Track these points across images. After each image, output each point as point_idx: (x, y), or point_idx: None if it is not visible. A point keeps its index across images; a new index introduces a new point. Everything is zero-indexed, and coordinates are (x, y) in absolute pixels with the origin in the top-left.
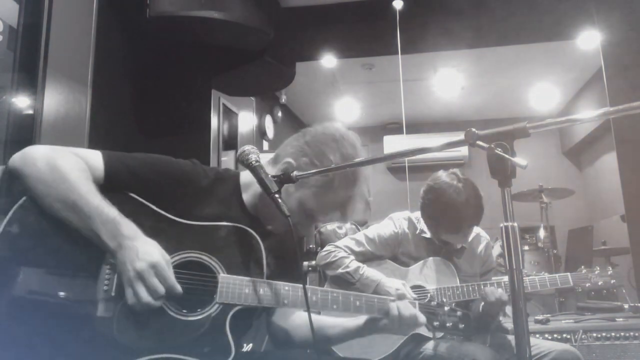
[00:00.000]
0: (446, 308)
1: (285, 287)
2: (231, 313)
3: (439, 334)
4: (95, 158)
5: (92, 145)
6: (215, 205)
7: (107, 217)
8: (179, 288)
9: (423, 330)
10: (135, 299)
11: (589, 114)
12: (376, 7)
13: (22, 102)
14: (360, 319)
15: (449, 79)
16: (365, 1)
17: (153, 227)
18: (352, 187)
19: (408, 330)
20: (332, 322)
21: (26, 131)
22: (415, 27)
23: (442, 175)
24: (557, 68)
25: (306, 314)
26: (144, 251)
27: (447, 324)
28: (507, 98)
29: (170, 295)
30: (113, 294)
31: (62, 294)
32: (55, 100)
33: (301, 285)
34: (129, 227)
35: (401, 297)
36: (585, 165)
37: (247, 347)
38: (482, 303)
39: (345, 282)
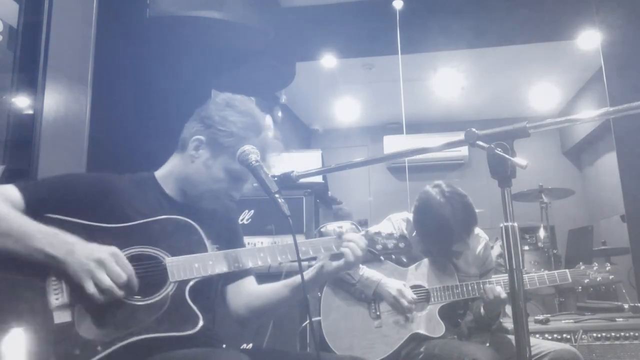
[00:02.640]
0: (383, 233)
1: (232, 253)
2: (188, 287)
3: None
4: (11, 191)
5: (92, 145)
6: (141, 205)
7: (48, 232)
8: (136, 278)
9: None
10: (97, 288)
11: (589, 114)
12: (376, 7)
13: (22, 102)
14: (309, 270)
15: (449, 79)
16: (365, 1)
17: (87, 238)
18: (259, 131)
19: (360, 260)
20: (286, 282)
21: (26, 131)
22: (415, 27)
23: (427, 191)
24: (557, 68)
25: (260, 286)
26: (98, 247)
27: (389, 246)
28: (507, 98)
29: (130, 285)
30: (67, 300)
31: (14, 323)
32: (55, 100)
33: (247, 248)
34: (71, 236)
35: (339, 235)
36: (585, 165)
37: (247, 346)
38: (483, 304)
39: (346, 282)
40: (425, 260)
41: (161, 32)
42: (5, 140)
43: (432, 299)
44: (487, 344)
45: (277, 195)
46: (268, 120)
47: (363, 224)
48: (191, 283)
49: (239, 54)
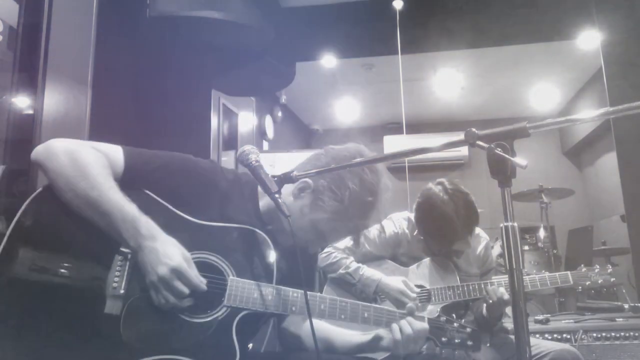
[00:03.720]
0: (455, 324)
1: (294, 294)
2: (238, 317)
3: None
4: (116, 154)
5: None
6: (230, 208)
7: (127, 215)
8: (203, 286)
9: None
10: (162, 301)
11: (589, 114)
12: (376, 7)
13: (22, 102)
14: (367, 335)
15: (449, 79)
16: (365, 1)
17: (166, 226)
18: (367, 216)
19: (415, 349)
20: (339, 333)
21: (26, 131)
22: (415, 27)
23: (430, 188)
24: (557, 68)
25: (318, 322)
26: (164, 254)
27: (456, 340)
28: (507, 98)
29: (196, 294)
30: (122, 291)
31: (69, 273)
32: (55, 100)
33: (311, 293)
34: (148, 226)
35: (411, 312)
36: (585, 165)
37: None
38: (485, 304)
39: (346, 282)
40: (426, 260)
41: (161, 32)
42: (5, 140)
43: (433, 299)
44: (488, 344)
45: (277, 195)
46: (384, 202)
47: None
48: (243, 313)
49: (239, 54)
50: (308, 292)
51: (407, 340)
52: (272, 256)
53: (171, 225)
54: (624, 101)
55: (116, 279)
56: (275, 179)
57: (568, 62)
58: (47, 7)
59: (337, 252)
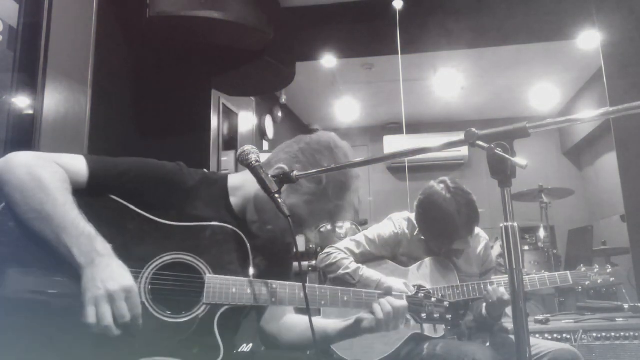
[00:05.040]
0: (433, 299)
1: (273, 285)
2: (219, 313)
3: (427, 326)
4: (78, 164)
5: (92, 145)
6: (202, 208)
7: (83, 231)
8: (140, 321)
9: (413, 324)
10: (95, 320)
11: (589, 114)
12: (376, 7)
13: (22, 102)
14: (348, 321)
15: (449, 79)
16: (365, 1)
17: (137, 230)
18: (344, 196)
19: (396, 326)
20: (322, 324)
21: (26, 131)
22: (415, 27)
23: (432, 186)
24: (557, 68)
25: (295, 316)
26: (119, 273)
27: (435, 315)
28: (507, 98)
29: (130, 327)
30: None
31: (50, 291)
32: (55, 100)
33: (289, 283)
34: (105, 245)
35: (388, 291)
36: (585, 165)
37: (247, 347)
38: (485, 304)
39: (346, 283)
40: (427, 260)
41: (161, 32)
42: (5, 140)
43: (433, 299)
44: (487, 344)
45: (277, 195)
46: (359, 183)
47: (363, 224)
48: (223, 309)
49: (239, 54)
50: (286, 283)
51: (387, 318)
52: (247, 251)
53: (143, 229)
54: (624, 101)
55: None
56: (275, 179)
57: (568, 62)
58: (47, 7)
59: (337, 253)
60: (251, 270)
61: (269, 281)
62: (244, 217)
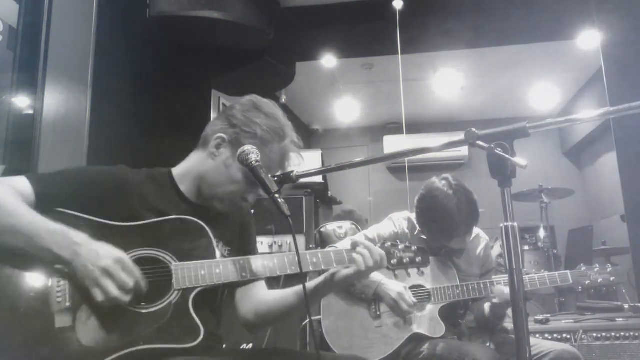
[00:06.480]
0: (400, 246)
1: (241, 261)
2: (192, 296)
3: (398, 270)
4: (23, 184)
5: (92, 145)
6: (154, 203)
7: (55, 230)
8: (143, 282)
9: (384, 272)
10: (105, 296)
11: (589, 114)
12: (376, 7)
13: (22, 102)
14: (318, 278)
15: (449, 79)
16: (365, 1)
17: (95, 236)
18: (284, 138)
19: (372, 270)
20: (292, 290)
21: (26, 131)
22: (415, 27)
23: (434, 182)
24: (557, 68)
25: (267, 291)
26: (105, 250)
27: (405, 260)
28: (507, 98)
29: (137, 289)
30: (68, 304)
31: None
32: (55, 100)
33: (254, 256)
34: (79, 235)
35: (355, 246)
36: (585, 165)
37: (247, 346)
38: (489, 304)
39: None
40: None
41: (161, 32)
42: (5, 140)
43: (433, 299)
44: (488, 344)
45: (277, 195)
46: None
47: (363, 224)
48: (195, 292)
49: (239, 54)
50: (252, 257)
51: (367, 258)
52: (209, 236)
53: (100, 235)
54: (624, 101)
55: (59, 294)
56: (275, 178)
57: (568, 62)
58: (47, 7)
59: None
60: (217, 253)
61: (235, 258)
62: (200, 199)
